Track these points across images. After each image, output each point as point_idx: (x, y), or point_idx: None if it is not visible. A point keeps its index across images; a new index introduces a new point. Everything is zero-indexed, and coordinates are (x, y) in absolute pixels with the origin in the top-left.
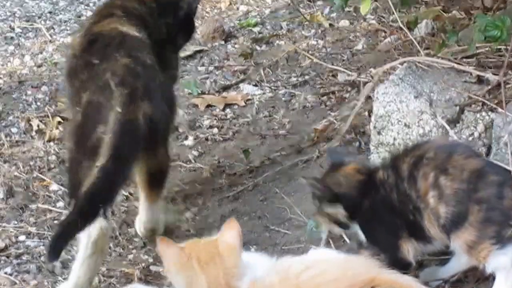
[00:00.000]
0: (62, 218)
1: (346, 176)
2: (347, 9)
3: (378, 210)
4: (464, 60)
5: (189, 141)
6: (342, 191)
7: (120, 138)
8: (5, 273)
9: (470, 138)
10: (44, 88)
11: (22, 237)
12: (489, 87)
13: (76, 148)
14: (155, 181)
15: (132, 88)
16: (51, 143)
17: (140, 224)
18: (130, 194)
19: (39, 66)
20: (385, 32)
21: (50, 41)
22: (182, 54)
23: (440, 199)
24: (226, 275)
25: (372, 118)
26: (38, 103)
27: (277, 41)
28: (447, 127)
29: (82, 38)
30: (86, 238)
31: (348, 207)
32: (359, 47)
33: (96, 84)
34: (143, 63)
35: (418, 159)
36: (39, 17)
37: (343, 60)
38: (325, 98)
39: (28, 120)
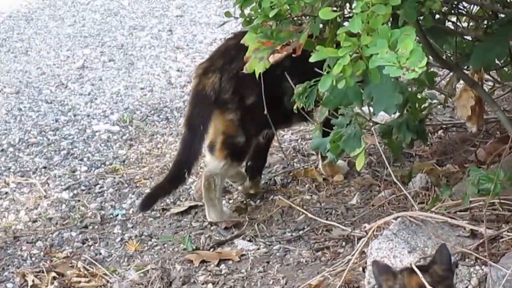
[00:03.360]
0: None
1: None
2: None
3: None
4: (458, 213)
5: None
6: None
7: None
8: None
9: None
10: (39, 243)
11: None
12: (480, 241)
13: None
14: None
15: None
16: None
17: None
18: None
19: (34, 221)
20: (379, 186)
21: (45, 196)
22: (176, 210)
23: None
24: None
25: (366, 274)
26: (33, 259)
27: (272, 196)
28: None
29: None
30: None
31: None
32: (354, 201)
33: None
34: None
35: None
36: (34, 172)
37: (338, 215)
38: (319, 253)
39: (23, 276)
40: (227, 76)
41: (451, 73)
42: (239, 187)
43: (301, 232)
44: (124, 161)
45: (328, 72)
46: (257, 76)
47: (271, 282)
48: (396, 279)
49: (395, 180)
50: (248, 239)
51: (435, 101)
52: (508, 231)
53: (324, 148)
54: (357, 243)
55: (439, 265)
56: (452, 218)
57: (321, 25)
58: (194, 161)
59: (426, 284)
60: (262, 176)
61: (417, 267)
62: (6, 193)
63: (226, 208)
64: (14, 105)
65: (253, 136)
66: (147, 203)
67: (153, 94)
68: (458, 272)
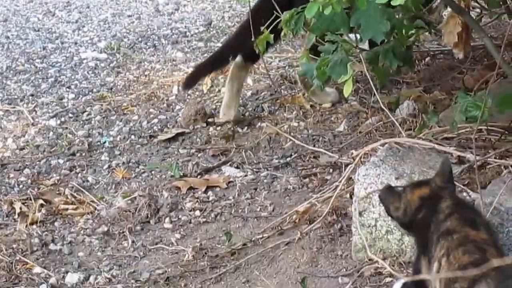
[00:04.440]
0: None
1: None
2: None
3: None
4: (445, 140)
5: (171, 224)
6: None
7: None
8: None
9: None
10: (26, 171)
11: None
12: (464, 166)
13: None
14: None
15: None
16: (34, 226)
17: None
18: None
19: (21, 149)
20: (366, 113)
21: (32, 124)
22: (163, 137)
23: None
24: None
25: (354, 200)
26: (21, 186)
27: (259, 123)
28: None
29: None
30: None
31: None
32: (341, 128)
33: None
34: None
35: None
36: (21, 100)
37: (325, 142)
38: (306, 180)
39: (11, 203)
40: None
41: (438, 0)
42: None
43: (288, 159)
44: (111, 88)
45: None
46: None
47: (258, 209)
48: (400, 199)
49: (382, 107)
50: (236, 166)
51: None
52: (495, 158)
53: (311, 75)
54: (345, 169)
55: (440, 177)
56: (439, 144)
57: None
58: (243, 49)
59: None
60: (250, 103)
61: (420, 181)
62: None
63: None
64: (2, 33)
65: None
66: (189, 82)
67: (140, 21)
68: None
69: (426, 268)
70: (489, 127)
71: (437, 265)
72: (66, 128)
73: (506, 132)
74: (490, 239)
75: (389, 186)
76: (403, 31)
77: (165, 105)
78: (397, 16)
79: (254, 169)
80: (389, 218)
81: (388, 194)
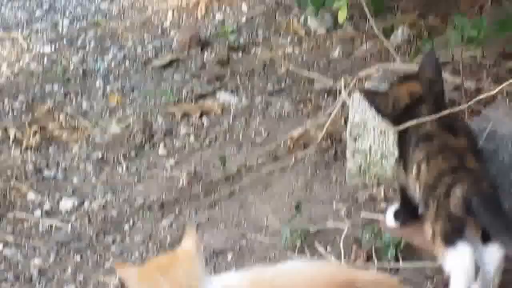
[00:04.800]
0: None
1: None
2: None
3: None
4: None
5: (166, 150)
6: None
7: None
8: None
9: None
10: (21, 97)
11: None
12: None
13: None
14: None
15: None
16: (28, 152)
17: None
18: (107, 202)
19: (16, 75)
20: (361, 39)
21: (27, 50)
22: (158, 62)
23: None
24: (189, 280)
25: (348, 125)
26: (15, 112)
27: (254, 49)
28: None
29: None
30: None
31: None
32: (336, 54)
33: None
34: None
35: None
36: (16, 26)
37: (320, 68)
38: (301, 105)
39: (5, 129)
40: None
41: None
42: None
43: (283, 84)
44: (106, 15)
45: None
46: None
47: (252, 135)
48: (388, 96)
49: (377, 32)
50: (230, 91)
51: None
52: (489, 83)
53: (306, 0)
54: (339, 95)
55: (427, 70)
56: None
57: None
58: None
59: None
60: (244, 29)
61: (405, 75)
62: None
63: None
64: None
65: None
66: None
67: None
68: None
69: (404, 174)
70: (484, 52)
71: (416, 169)
72: (61, 54)
73: (501, 57)
74: (468, 145)
75: (371, 90)
76: None
77: (159, 31)
78: None
79: (249, 95)
80: (384, 144)
81: (374, 96)
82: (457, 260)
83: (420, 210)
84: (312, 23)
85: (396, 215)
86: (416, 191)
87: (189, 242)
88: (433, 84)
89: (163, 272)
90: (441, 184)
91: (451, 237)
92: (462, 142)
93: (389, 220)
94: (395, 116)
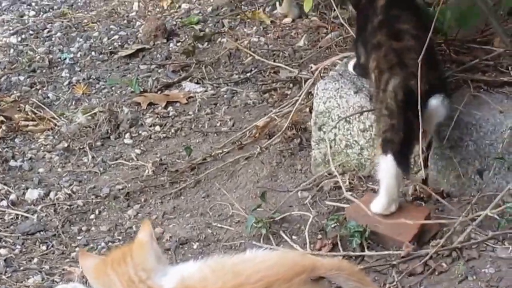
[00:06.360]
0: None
1: None
2: None
3: None
4: None
5: (131, 140)
6: None
7: None
8: None
9: None
10: None
11: None
12: None
13: None
14: None
15: None
16: None
17: None
18: (73, 192)
19: None
20: (326, 28)
21: None
22: (123, 53)
23: None
24: (137, 271)
25: (313, 114)
26: None
27: (219, 39)
28: None
29: None
30: None
31: None
32: (301, 43)
33: None
34: None
35: None
36: None
37: (285, 57)
38: (266, 95)
39: None
40: None
41: None
42: None
43: (248, 74)
44: (72, 5)
45: None
46: None
47: (218, 124)
48: None
49: (342, 22)
50: (196, 81)
51: None
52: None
53: None
54: (304, 84)
55: None
56: None
57: None
58: None
59: None
60: (210, 19)
61: None
62: None
63: None
64: None
65: None
66: None
67: None
68: None
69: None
70: (448, 41)
71: (374, 76)
72: (27, 45)
73: (465, 46)
74: (411, 45)
75: None
76: None
77: (125, 21)
78: None
79: (214, 84)
80: (349, 132)
81: None
82: (386, 169)
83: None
84: (278, 12)
85: (354, 67)
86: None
87: (143, 234)
88: None
89: (115, 267)
90: (382, 81)
91: (385, 147)
92: (405, 43)
93: (350, 69)
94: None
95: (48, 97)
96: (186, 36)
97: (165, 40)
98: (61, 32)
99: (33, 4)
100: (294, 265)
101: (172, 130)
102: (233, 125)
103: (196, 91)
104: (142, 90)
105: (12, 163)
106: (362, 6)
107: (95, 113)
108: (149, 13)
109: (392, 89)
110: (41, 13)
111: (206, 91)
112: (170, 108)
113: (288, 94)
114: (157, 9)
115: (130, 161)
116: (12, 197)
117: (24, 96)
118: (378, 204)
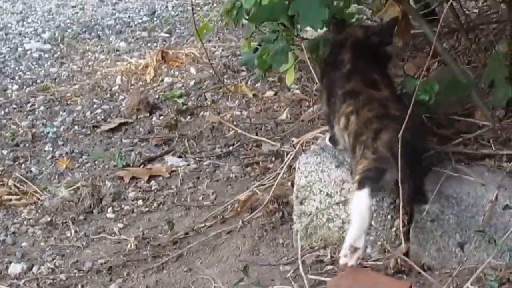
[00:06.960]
0: None
1: None
2: (271, 79)
3: None
4: None
5: (114, 214)
6: None
7: None
8: None
9: None
10: None
11: None
12: None
13: None
14: None
15: None
16: None
17: None
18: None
19: None
20: (308, 101)
21: None
22: (106, 127)
23: None
24: None
25: (295, 188)
26: None
27: (202, 112)
28: None
29: None
30: None
31: None
32: (283, 117)
33: None
34: None
35: None
36: None
37: (267, 130)
38: (249, 168)
39: None
40: None
41: None
42: None
43: (231, 147)
44: (55, 79)
45: None
46: None
47: (201, 198)
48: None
49: None
50: (178, 155)
51: (362, 16)
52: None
53: (252, 64)
54: (286, 158)
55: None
56: None
57: None
58: None
59: None
60: (193, 92)
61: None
62: None
63: None
64: None
65: None
66: None
67: (84, 12)
68: None
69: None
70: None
71: (345, 121)
72: (10, 119)
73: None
74: (391, 96)
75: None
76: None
77: (108, 95)
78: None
79: (197, 158)
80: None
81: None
82: (359, 203)
83: (348, 158)
84: (260, 86)
85: (331, 140)
86: (344, 141)
87: None
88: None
89: None
90: (368, 131)
91: (362, 184)
92: (385, 94)
93: (327, 141)
94: None
95: (31, 171)
96: (169, 110)
97: (148, 114)
98: (44, 106)
99: (17, 77)
100: None
101: (155, 204)
102: (215, 199)
103: (178, 165)
104: (125, 164)
105: None
106: (326, 76)
107: (78, 187)
108: (132, 86)
109: (386, 139)
110: (25, 87)
111: (188, 165)
112: (152, 182)
113: (270, 168)
114: (140, 83)
115: (113, 235)
116: None
117: (7, 170)
118: (349, 234)
